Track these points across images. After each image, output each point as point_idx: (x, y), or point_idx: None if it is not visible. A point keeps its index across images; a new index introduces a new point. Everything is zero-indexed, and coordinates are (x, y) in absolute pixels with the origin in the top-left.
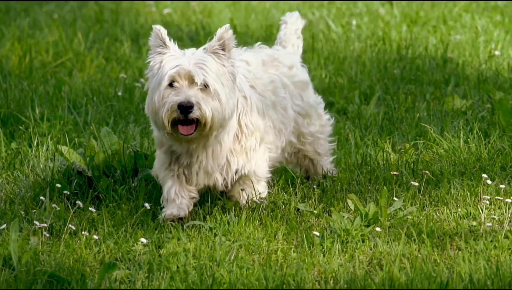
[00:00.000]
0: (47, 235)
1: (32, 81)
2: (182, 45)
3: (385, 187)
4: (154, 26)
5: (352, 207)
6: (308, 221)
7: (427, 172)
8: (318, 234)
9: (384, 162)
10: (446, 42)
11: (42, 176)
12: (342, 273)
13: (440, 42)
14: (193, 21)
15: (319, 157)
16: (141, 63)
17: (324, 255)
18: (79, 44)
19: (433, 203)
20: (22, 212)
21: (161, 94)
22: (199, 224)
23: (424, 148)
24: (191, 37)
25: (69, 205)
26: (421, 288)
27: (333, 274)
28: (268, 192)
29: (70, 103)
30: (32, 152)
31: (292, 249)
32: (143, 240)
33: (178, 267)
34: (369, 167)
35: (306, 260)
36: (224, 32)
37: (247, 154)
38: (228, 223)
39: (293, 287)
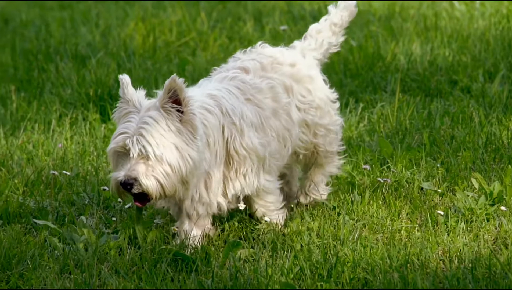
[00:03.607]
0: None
1: (156, 61)
2: (305, 24)
3: (510, 166)
4: (119, 76)
5: (476, 186)
6: (432, 200)
7: None
8: (442, 213)
9: (509, 140)
10: None
11: None
12: (467, 252)
13: None
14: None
15: (328, 155)
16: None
17: (448, 234)
18: (202, 23)
19: None
20: None
21: (111, 165)
22: (323, 203)
23: None
24: (314, 16)
25: None
26: None
27: (458, 253)
28: (393, 171)
29: (193, 82)
30: None
31: (416, 228)
32: (267, 219)
33: (302, 246)
34: (494, 146)
35: (430, 239)
36: (172, 83)
37: (245, 178)
38: (352, 202)
39: (417, 266)
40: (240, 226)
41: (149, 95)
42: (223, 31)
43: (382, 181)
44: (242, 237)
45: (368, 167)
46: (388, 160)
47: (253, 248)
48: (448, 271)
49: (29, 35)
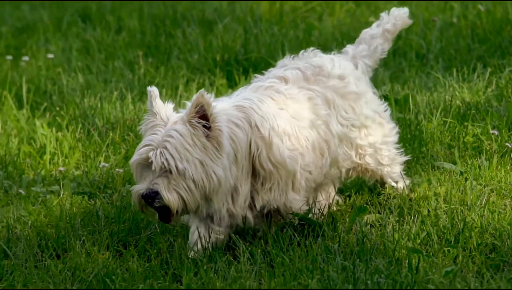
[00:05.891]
0: None
1: (283, 26)
2: (418, 4)
3: None
4: (148, 88)
5: None
6: None
7: None
8: None
9: None
10: None
11: None
12: None
13: None
14: None
15: (382, 168)
16: (392, 6)
17: None
18: None
19: None
20: None
21: (134, 177)
22: (450, 168)
23: None
24: None
25: None
26: None
27: None
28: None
29: (319, 47)
30: None
31: None
32: (393, 184)
33: (428, 211)
34: None
35: None
36: (200, 97)
37: (271, 190)
38: (479, 167)
39: None
40: (366, 190)
41: (273, 61)
42: None
43: (510, 146)
44: (369, 202)
45: (496, 132)
46: None
47: (379, 213)
48: None
49: (157, 0)
